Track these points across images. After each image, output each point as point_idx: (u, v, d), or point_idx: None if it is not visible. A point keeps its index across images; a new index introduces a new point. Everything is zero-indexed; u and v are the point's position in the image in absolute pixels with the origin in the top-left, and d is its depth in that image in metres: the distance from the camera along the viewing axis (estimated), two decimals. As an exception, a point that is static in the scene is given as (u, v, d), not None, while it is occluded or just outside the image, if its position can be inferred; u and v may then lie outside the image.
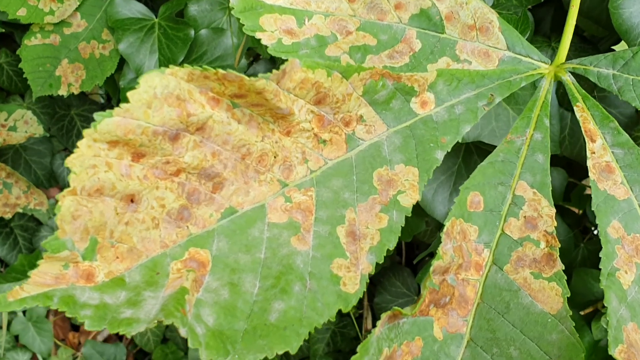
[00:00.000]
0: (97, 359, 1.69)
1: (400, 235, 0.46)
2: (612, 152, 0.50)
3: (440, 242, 0.46)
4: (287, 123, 0.45)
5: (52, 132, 1.55)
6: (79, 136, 1.55)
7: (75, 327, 1.94)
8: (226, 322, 0.39)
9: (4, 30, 1.18)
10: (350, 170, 0.48)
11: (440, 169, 0.93)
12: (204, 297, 0.40)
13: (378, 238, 0.46)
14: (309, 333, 0.40)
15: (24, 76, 1.20)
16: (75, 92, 1.21)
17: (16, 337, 1.66)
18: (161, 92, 0.38)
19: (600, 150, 0.50)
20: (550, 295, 0.45)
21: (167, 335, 1.82)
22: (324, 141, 0.48)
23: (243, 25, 0.50)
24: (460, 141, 0.87)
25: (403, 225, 0.47)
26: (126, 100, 0.38)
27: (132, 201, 0.40)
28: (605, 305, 0.43)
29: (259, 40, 0.50)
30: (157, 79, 0.38)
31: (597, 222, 0.47)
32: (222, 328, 0.39)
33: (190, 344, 0.36)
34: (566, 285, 0.45)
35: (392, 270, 1.40)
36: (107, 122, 0.37)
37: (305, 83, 0.44)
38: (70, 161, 0.36)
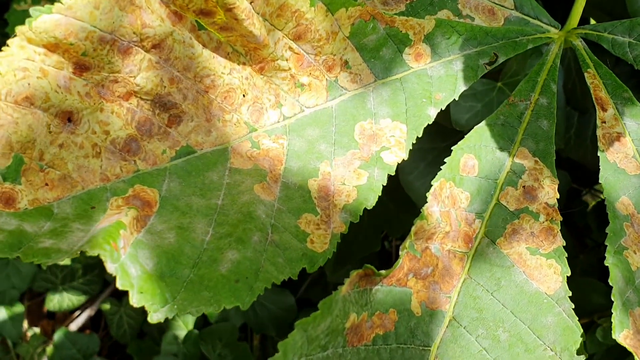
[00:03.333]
0: (68, 347, 1.62)
1: (379, 193, 0.41)
2: (625, 124, 0.45)
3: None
4: (261, 58, 0.40)
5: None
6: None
7: (51, 315, 1.88)
8: (168, 269, 0.34)
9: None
10: (329, 121, 0.43)
11: (431, 151, 0.87)
12: (145, 238, 0.34)
13: (355, 195, 0.41)
14: (265, 289, 0.35)
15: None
16: (63, 62, 1.16)
17: (-15, 319, 1.59)
18: (111, -8, 0.33)
19: (612, 120, 0.45)
20: (547, 273, 0.40)
21: (144, 329, 1.75)
22: (302, 85, 0.42)
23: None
24: (457, 128, 0.82)
25: (385, 184, 0.42)
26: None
27: (69, 120, 0.34)
28: (611, 284, 0.38)
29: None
30: (107, -23, 0.32)
31: (604, 195, 0.42)
32: (162, 274, 0.33)
33: (118, 284, 0.30)
34: (566, 264, 0.40)
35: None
36: (44, 20, 0.32)
37: (284, 10, 0.39)
38: (-5, 60, 0.31)
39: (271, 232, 0.38)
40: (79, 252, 0.30)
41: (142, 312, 1.70)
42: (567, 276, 0.39)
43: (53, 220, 0.33)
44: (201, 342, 1.43)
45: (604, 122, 0.45)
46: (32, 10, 0.32)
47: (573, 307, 0.38)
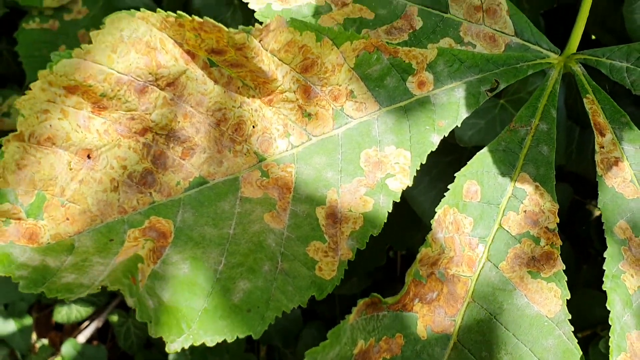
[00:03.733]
0: (77, 359, 1.63)
1: (384, 219, 0.42)
2: (623, 148, 0.46)
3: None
4: (269, 90, 0.42)
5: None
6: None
7: (59, 327, 1.89)
8: (183, 299, 0.35)
9: (8, 10, 1.15)
10: (335, 149, 0.44)
11: (435, 165, 0.89)
12: (161, 269, 0.36)
13: (361, 223, 0.42)
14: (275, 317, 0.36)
15: (19, 59, 1.17)
16: (71, 80, 1.18)
17: (-5, 332, 1.61)
18: (129, 36, 0.34)
19: (610, 145, 0.46)
20: (548, 296, 0.41)
21: (152, 340, 1.76)
22: (309, 115, 0.44)
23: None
24: (461, 145, 0.83)
25: (390, 211, 0.43)
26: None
27: (88, 157, 0.36)
28: (608, 308, 0.39)
29: (247, 4, 0.47)
30: (125, 22, 0.34)
31: (602, 220, 0.43)
32: (178, 304, 0.35)
33: (138, 317, 0.32)
34: (566, 287, 0.41)
35: (385, 285, 1.35)
36: (64, 64, 0.33)
37: (291, 46, 0.40)
38: (20, 102, 0.33)
39: (281, 261, 0.39)
40: (99, 287, 0.31)
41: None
42: (566, 299, 0.41)
43: (74, 254, 0.34)
44: (208, 353, 1.44)
45: (602, 147, 0.46)
46: (53, 54, 0.33)
47: (572, 329, 0.40)
